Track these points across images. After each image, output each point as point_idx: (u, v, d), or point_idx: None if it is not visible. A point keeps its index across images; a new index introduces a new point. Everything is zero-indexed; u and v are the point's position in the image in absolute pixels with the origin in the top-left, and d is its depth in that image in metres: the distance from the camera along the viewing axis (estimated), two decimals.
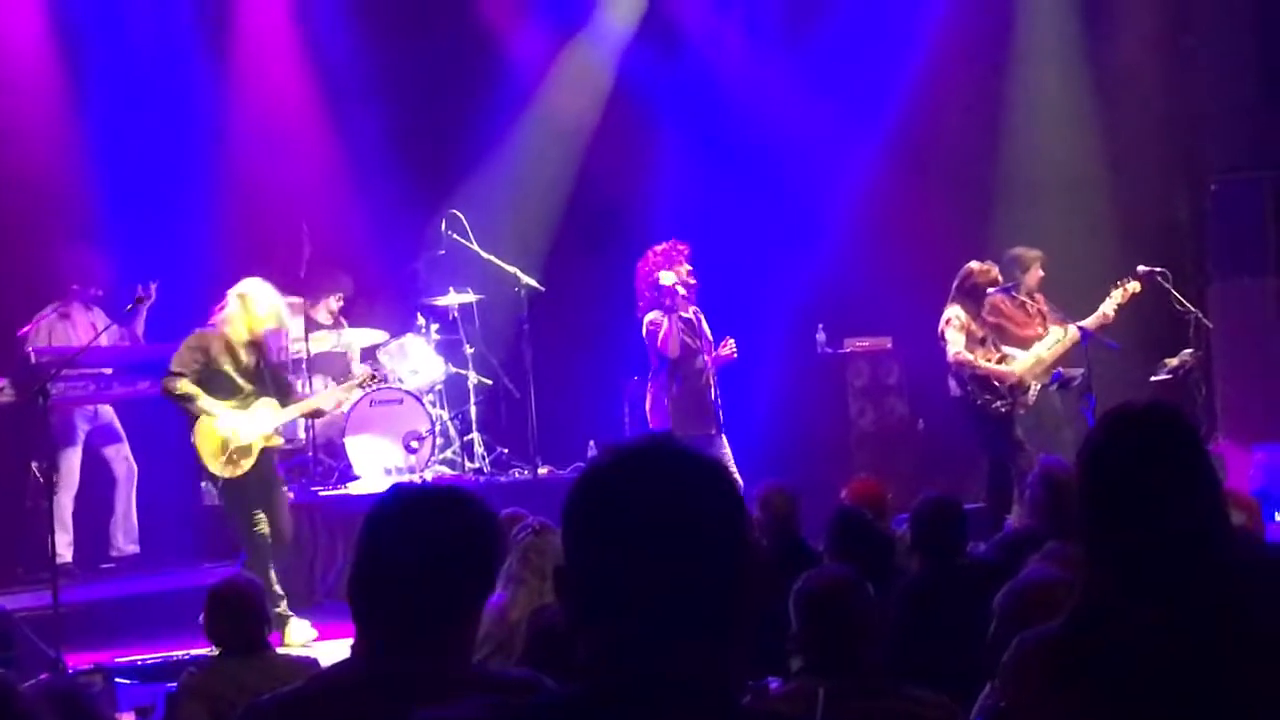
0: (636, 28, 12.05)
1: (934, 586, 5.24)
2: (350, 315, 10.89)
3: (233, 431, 7.84)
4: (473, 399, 10.54)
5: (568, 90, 12.07)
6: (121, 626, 8.23)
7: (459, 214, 10.45)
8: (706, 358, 9.03)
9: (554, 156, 12.01)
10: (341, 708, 2.38)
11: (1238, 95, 10.69)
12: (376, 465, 9.87)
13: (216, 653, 5.06)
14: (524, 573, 5.15)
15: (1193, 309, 9.79)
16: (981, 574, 4.99)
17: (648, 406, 9.15)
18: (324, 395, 8.88)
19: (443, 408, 10.54)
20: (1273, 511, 8.55)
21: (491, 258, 10.36)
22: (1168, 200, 11.22)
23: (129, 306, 8.53)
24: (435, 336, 10.63)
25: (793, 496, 6.50)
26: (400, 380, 10.37)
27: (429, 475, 9.84)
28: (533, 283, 10.26)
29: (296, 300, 10.21)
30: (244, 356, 7.91)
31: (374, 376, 9.10)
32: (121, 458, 9.83)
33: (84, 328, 9.30)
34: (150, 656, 7.15)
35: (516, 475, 10.41)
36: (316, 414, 8.75)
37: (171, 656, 7.00)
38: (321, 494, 9.78)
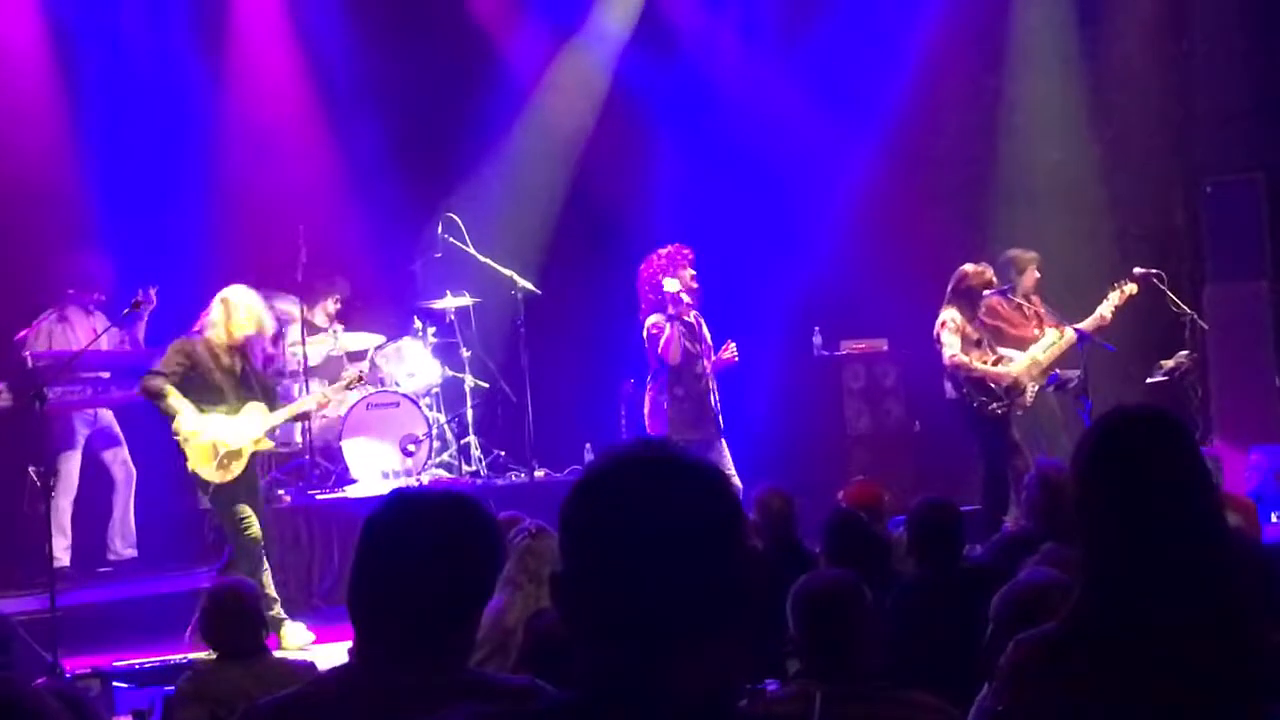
0: (632, 31, 12.06)
1: (931, 589, 5.25)
2: (347, 318, 10.89)
3: (221, 436, 7.85)
4: (469, 402, 10.54)
5: (564, 93, 12.07)
6: (119, 630, 8.22)
7: (455, 217, 10.45)
8: (706, 363, 9.04)
9: (550, 159, 12.01)
10: (340, 712, 2.38)
11: (1233, 97, 10.70)
12: (373, 468, 9.87)
13: (214, 657, 5.06)
14: (520, 576, 5.15)
15: (1188, 311, 9.80)
16: (978, 577, 4.99)
17: (646, 410, 9.16)
18: (309, 398, 8.87)
19: (439, 411, 10.54)
20: (1268, 513, 8.56)
21: (488, 261, 10.36)
22: (1163, 202, 11.22)
23: (126, 310, 8.53)
24: (432, 340, 10.62)
25: (789, 499, 6.50)
26: (397, 383, 10.37)
27: (426, 478, 9.84)
28: (529, 286, 10.26)
29: (294, 303, 10.23)
30: (226, 361, 7.91)
31: (361, 377, 9.11)
32: (120, 462, 9.83)
33: (84, 332, 9.30)
34: (148, 660, 7.14)
35: (513, 478, 10.41)
36: (304, 416, 8.74)
37: (169, 660, 7.00)
38: (318, 497, 9.78)
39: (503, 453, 10.69)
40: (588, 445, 10.36)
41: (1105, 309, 9.33)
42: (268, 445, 8.15)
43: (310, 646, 7.84)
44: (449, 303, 10.55)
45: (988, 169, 11.50)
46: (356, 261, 11.18)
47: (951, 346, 9.15)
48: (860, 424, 11.41)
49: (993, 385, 9.19)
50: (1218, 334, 10.10)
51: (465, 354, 10.62)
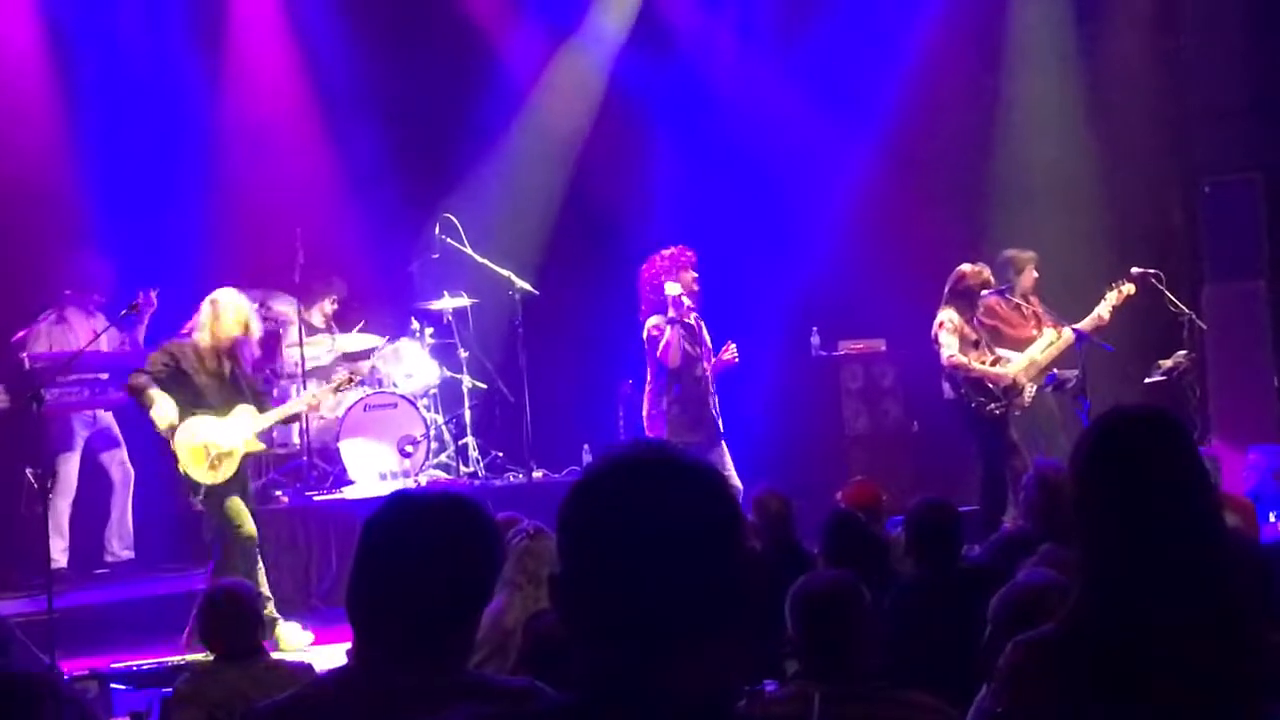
0: (629, 32, 12.06)
1: (929, 589, 5.24)
2: (344, 319, 10.89)
3: (212, 437, 7.84)
4: (467, 403, 10.54)
5: (561, 94, 12.07)
6: (116, 632, 8.22)
7: (453, 218, 10.44)
8: (706, 365, 9.03)
9: (548, 160, 12.02)
10: (339, 714, 2.38)
11: (1230, 97, 10.69)
12: (371, 469, 9.87)
13: (211, 658, 5.06)
14: (519, 578, 5.14)
15: (1186, 311, 9.80)
16: (976, 577, 5.00)
17: (645, 412, 9.15)
18: (298, 400, 8.86)
19: (437, 412, 10.54)
20: (1266, 512, 8.56)
21: (485, 261, 10.36)
22: (1161, 202, 11.23)
23: (124, 312, 8.52)
24: (429, 340, 10.62)
25: (787, 500, 6.51)
26: (395, 384, 10.36)
27: (423, 479, 9.83)
28: (527, 286, 10.26)
29: (291, 304, 10.23)
30: (212, 363, 7.91)
31: (350, 379, 9.11)
32: (118, 463, 9.83)
33: (85, 334, 9.28)
34: (145, 662, 7.14)
35: (511, 479, 10.41)
36: (294, 418, 8.74)
37: (166, 662, 7.00)
38: (316, 499, 9.77)
39: (500, 454, 10.68)
40: (586, 446, 10.36)
41: (1103, 309, 9.34)
42: (258, 447, 8.15)
43: (308, 647, 7.84)
44: (446, 303, 10.55)
45: (985, 169, 11.50)
46: (354, 262, 11.18)
47: (949, 347, 9.14)
48: (858, 424, 11.41)
49: (991, 385, 9.19)
50: (1216, 334, 10.10)
51: (463, 355, 10.62)
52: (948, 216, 11.27)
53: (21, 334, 9.56)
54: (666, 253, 9.02)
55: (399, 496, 2.52)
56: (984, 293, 9.39)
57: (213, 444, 7.83)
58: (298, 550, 9.28)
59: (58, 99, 10.49)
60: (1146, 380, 9.84)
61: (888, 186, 11.49)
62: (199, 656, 5.93)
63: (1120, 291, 9.37)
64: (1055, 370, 9.50)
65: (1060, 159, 11.35)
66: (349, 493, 9.75)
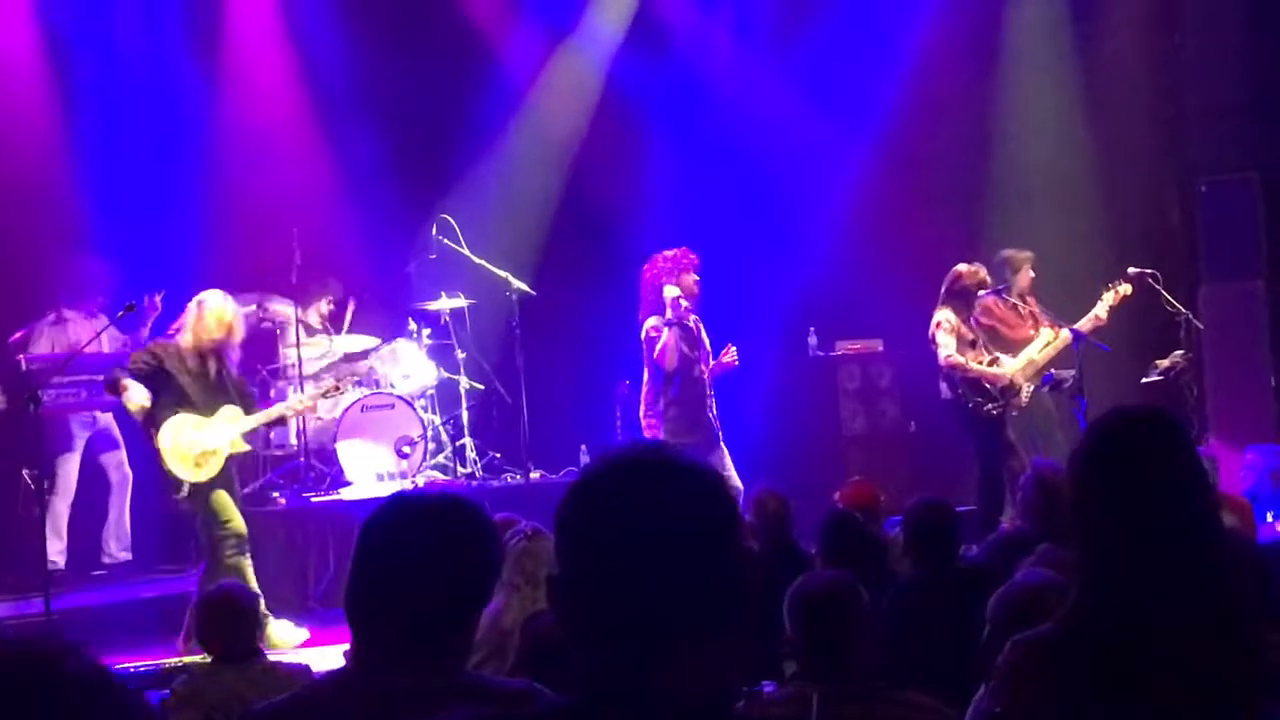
0: (626, 33, 12.06)
1: (927, 590, 5.25)
2: (340, 320, 10.89)
3: (197, 437, 7.83)
4: (464, 404, 10.52)
5: (558, 95, 12.07)
6: (113, 633, 8.20)
7: (450, 219, 10.44)
8: (704, 367, 9.03)
9: (544, 161, 12.02)
10: (337, 716, 2.38)
11: (1227, 96, 10.70)
12: (368, 471, 9.86)
13: (208, 660, 5.06)
14: (517, 579, 5.13)
15: (1183, 310, 9.81)
16: (974, 577, 5.00)
17: (641, 412, 9.14)
18: (283, 404, 8.83)
19: (434, 413, 10.53)
20: (1263, 512, 8.56)
21: (483, 262, 10.35)
22: (1157, 202, 11.23)
23: (120, 313, 8.51)
24: (427, 341, 10.61)
25: (785, 500, 6.51)
26: (392, 385, 10.36)
27: (421, 480, 9.83)
28: (524, 287, 10.25)
29: (289, 305, 10.22)
30: (195, 363, 7.90)
31: (338, 387, 9.13)
32: (116, 464, 9.82)
33: (87, 336, 9.27)
34: (142, 663, 7.13)
35: (509, 480, 10.40)
36: (280, 422, 8.72)
37: (163, 664, 6.99)
38: (314, 500, 9.76)
39: (498, 454, 10.67)
40: (583, 447, 10.36)
41: (1100, 309, 9.34)
42: (243, 448, 8.13)
43: (303, 645, 7.83)
44: (444, 304, 10.54)
45: (982, 169, 11.51)
46: (351, 263, 11.18)
47: (947, 347, 9.14)
48: (856, 425, 11.42)
49: (988, 385, 9.19)
50: (1213, 333, 10.11)
51: (460, 356, 10.61)
52: (945, 217, 11.27)
53: (18, 335, 9.55)
54: (669, 254, 9.02)
55: (397, 498, 2.52)
56: (981, 293, 9.39)
57: (197, 443, 7.82)
58: (295, 552, 9.27)
59: (55, 101, 10.49)
60: (1144, 380, 9.85)
61: (885, 187, 11.50)
62: (196, 658, 5.93)
63: (1117, 291, 9.38)
64: (1052, 370, 9.50)
65: (1057, 159, 11.35)
66: (346, 494, 9.74)
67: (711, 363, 9.12)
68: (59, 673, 1.38)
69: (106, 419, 9.75)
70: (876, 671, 3.74)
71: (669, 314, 8.85)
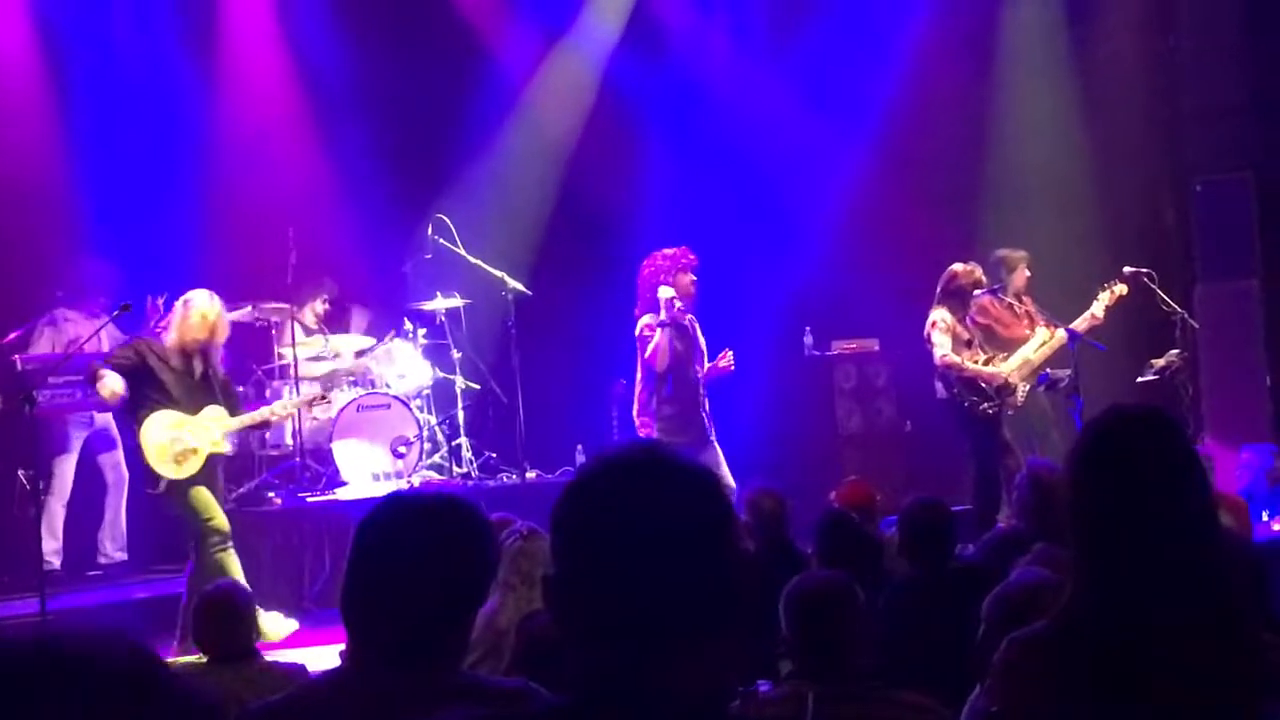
0: (622, 32, 12.06)
1: (923, 589, 5.24)
2: (337, 320, 10.88)
3: (178, 434, 7.82)
4: (460, 403, 10.53)
5: (554, 95, 12.07)
6: None
7: (445, 219, 10.44)
8: (699, 367, 9.02)
9: (541, 160, 12.02)
10: (332, 715, 2.38)
11: (1222, 96, 10.70)
12: (364, 471, 9.85)
13: (204, 660, 5.05)
14: (513, 579, 5.13)
15: (1179, 310, 9.82)
16: (970, 577, 5.00)
17: (635, 411, 9.14)
18: (266, 409, 8.79)
19: (430, 413, 10.53)
20: (1259, 512, 8.56)
21: (478, 262, 10.35)
22: (1153, 201, 11.24)
23: (116, 312, 8.49)
24: (422, 341, 10.61)
25: (781, 499, 6.50)
26: (387, 385, 10.35)
27: (416, 480, 9.82)
28: (520, 287, 10.25)
29: (284, 306, 10.21)
30: (179, 361, 7.89)
31: (323, 397, 9.14)
32: (113, 464, 9.81)
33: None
34: None
35: (504, 480, 10.40)
36: (263, 426, 8.70)
37: None
38: (309, 500, 9.75)
39: (494, 454, 10.67)
40: (579, 447, 10.35)
41: (1096, 308, 9.34)
42: (224, 449, 8.11)
43: (297, 642, 7.82)
44: (439, 304, 10.53)
45: (978, 169, 11.51)
46: (347, 263, 11.17)
47: (942, 346, 9.15)
48: (852, 424, 11.42)
49: (984, 385, 9.19)
50: (1208, 333, 10.12)
51: (456, 355, 10.61)
52: (941, 217, 11.28)
53: (13, 335, 9.53)
54: (668, 252, 9.01)
55: (392, 498, 2.52)
56: (976, 292, 9.39)
57: (177, 440, 7.81)
58: (291, 552, 9.26)
59: (50, 102, 10.47)
60: (1139, 379, 9.86)
61: (881, 187, 11.50)
62: (192, 658, 5.92)
63: (1113, 291, 9.38)
64: (1048, 370, 9.50)
65: (1053, 159, 11.36)
66: (342, 494, 9.74)
67: (707, 364, 9.11)
68: (123, 669, 1.36)
69: (105, 419, 9.73)
70: (872, 671, 3.75)
71: (663, 315, 8.84)
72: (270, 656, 5.32)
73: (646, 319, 8.93)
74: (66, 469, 9.60)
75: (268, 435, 9.90)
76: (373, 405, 10.06)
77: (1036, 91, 11.51)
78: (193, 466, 7.84)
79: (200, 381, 7.94)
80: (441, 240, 10.41)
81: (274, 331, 10.36)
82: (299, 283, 10.27)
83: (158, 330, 8.25)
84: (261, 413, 8.48)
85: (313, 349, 10.49)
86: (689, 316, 9.02)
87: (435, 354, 10.66)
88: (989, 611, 3.73)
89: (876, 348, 11.49)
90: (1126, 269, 9.62)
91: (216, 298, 8.02)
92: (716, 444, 9.00)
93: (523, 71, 12.05)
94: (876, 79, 11.47)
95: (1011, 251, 9.89)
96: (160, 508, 8.08)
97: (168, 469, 7.80)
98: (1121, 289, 9.42)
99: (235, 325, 8.77)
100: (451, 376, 10.58)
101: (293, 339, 10.09)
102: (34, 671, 1.27)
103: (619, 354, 9.73)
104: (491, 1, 11.95)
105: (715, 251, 10.36)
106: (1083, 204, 11.29)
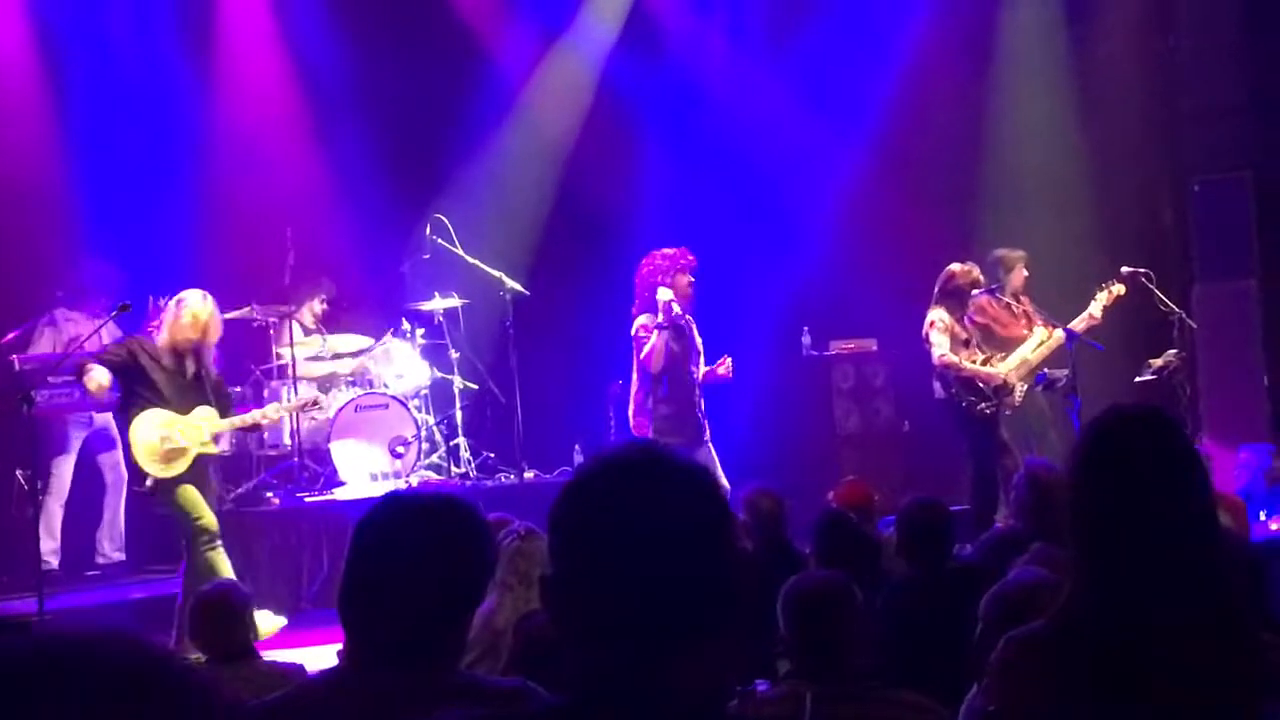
0: (620, 33, 12.06)
1: (920, 589, 5.24)
2: (334, 320, 10.87)
3: (167, 432, 7.81)
4: (458, 404, 10.52)
5: (552, 95, 12.08)
6: None
7: (443, 219, 10.43)
8: (695, 369, 9.01)
9: (539, 161, 12.02)
10: (329, 715, 2.38)
11: (1220, 96, 10.71)
12: (362, 471, 9.85)
13: (202, 660, 5.05)
14: (510, 578, 5.13)
15: (1176, 310, 9.82)
16: (968, 576, 5.00)
17: (631, 411, 9.12)
18: (258, 411, 8.79)
19: (428, 413, 10.52)
20: (1257, 511, 8.57)
21: (476, 262, 10.35)
22: (1151, 201, 11.24)
23: (114, 312, 8.49)
24: (420, 341, 10.60)
25: (779, 499, 6.50)
26: (385, 385, 10.35)
27: (414, 480, 9.82)
28: (518, 287, 10.25)
29: (282, 306, 10.21)
30: (170, 361, 7.88)
31: (316, 402, 9.14)
32: (112, 464, 9.80)
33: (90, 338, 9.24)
34: None
35: (502, 480, 10.40)
36: (254, 428, 8.69)
37: None
38: (307, 500, 9.75)
39: (492, 454, 10.67)
40: (577, 446, 10.35)
41: (1094, 308, 9.34)
42: (212, 450, 8.09)
43: (293, 642, 7.82)
44: (437, 304, 10.53)
45: (975, 169, 11.51)
46: (345, 264, 11.17)
47: (940, 346, 9.15)
48: (849, 424, 11.42)
49: (981, 385, 9.20)
50: (1206, 333, 10.12)
51: (454, 355, 10.61)
52: (938, 217, 11.28)
53: (12, 335, 9.52)
54: (667, 252, 8.99)
55: (390, 498, 2.52)
56: (974, 292, 9.39)
57: (167, 439, 7.80)
58: (289, 552, 9.26)
59: (49, 102, 10.47)
60: (1137, 379, 9.85)
61: (879, 187, 11.50)
62: (190, 658, 5.91)
63: (1111, 291, 9.38)
64: (1046, 370, 9.50)
65: (1051, 159, 11.36)
66: (340, 494, 9.73)
67: (703, 364, 9.09)
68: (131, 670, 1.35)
69: (104, 419, 9.72)
70: (870, 671, 3.75)
71: (660, 318, 8.82)
72: (268, 656, 5.32)
73: (643, 319, 8.92)
74: (65, 469, 9.60)
75: (266, 435, 9.89)
76: (371, 405, 10.06)
77: (1035, 91, 11.51)
78: (180, 466, 7.82)
79: (192, 381, 7.93)
80: (439, 240, 10.40)
81: (272, 331, 10.35)
82: (297, 283, 10.27)
83: (150, 330, 8.24)
84: (253, 415, 8.48)
85: (311, 349, 10.49)
86: (686, 317, 9.01)
87: (433, 354, 10.66)
88: (987, 611, 3.73)
89: (874, 348, 11.49)
90: (1124, 269, 9.61)
91: (210, 298, 8.00)
92: (711, 445, 8.99)
93: (521, 72, 12.06)
94: (875, 79, 11.47)
95: (1009, 251, 9.89)
96: (151, 506, 8.08)
97: (155, 467, 7.79)
98: (1119, 289, 9.41)
99: (233, 325, 8.77)
100: (449, 376, 10.57)
101: (290, 339, 10.08)
102: (33, 671, 1.26)
103: (617, 354, 9.73)
104: (489, 2, 11.95)
105: (713, 252, 10.36)
106: (1081, 204, 11.29)
